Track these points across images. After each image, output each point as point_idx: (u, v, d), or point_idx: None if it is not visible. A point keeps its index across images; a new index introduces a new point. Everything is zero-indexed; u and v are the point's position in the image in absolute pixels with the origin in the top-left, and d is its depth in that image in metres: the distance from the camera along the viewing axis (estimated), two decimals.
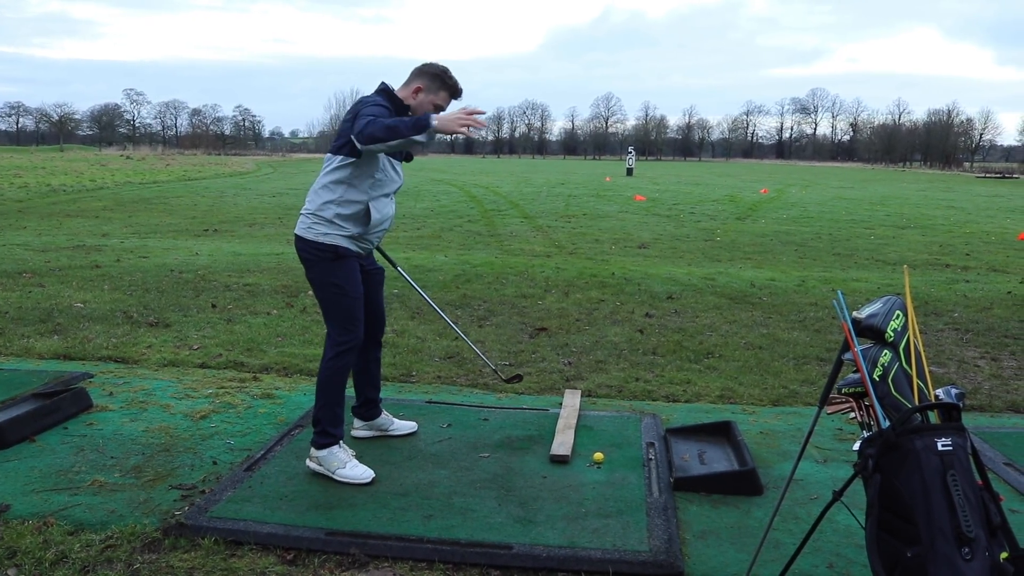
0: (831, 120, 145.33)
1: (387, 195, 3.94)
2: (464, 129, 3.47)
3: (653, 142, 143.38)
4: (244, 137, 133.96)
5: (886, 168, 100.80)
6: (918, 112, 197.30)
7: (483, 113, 3.52)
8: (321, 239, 3.85)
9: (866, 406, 2.43)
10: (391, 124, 3.47)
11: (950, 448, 2.23)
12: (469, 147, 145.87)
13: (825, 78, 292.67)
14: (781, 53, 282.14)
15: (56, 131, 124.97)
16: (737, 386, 5.60)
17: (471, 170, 55.95)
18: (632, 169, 48.63)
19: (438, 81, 3.91)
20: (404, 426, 4.48)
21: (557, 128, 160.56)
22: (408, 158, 4.13)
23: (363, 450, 4.23)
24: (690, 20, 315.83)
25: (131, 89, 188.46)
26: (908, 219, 21.12)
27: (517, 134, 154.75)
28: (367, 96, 3.86)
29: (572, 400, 4.96)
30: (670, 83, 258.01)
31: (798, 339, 7.00)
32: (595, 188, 33.79)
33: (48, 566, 3.12)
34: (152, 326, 7.09)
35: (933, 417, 2.37)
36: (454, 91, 3.96)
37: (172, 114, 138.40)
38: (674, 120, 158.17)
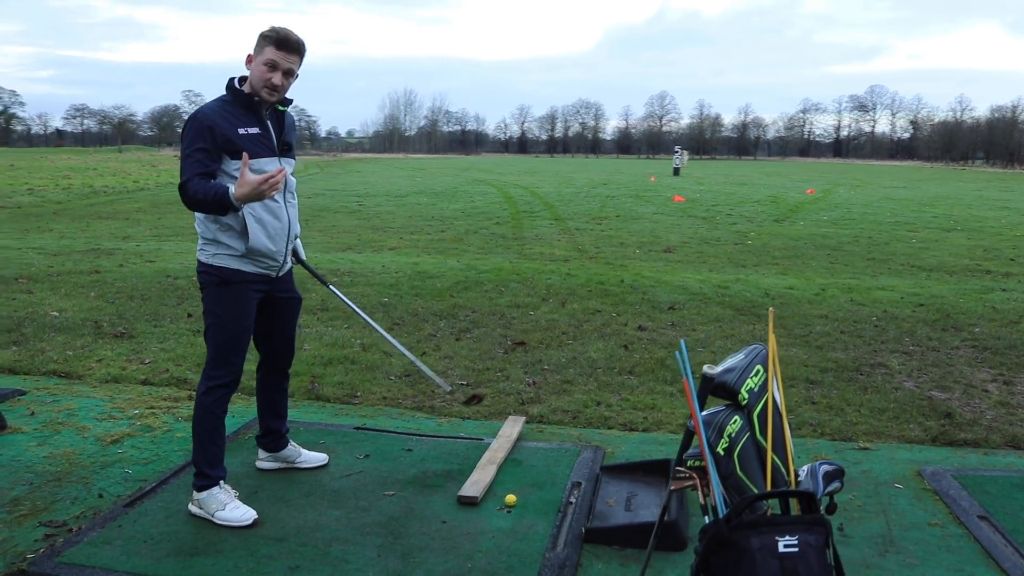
0: (890, 118, 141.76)
1: (268, 200, 3.47)
2: (268, 193, 3.22)
3: (707, 141, 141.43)
4: (300, 137, 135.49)
5: (945, 167, 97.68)
6: (980, 109, 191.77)
7: (280, 171, 3.24)
8: (210, 260, 3.50)
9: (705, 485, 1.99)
10: (200, 198, 3.26)
11: (795, 549, 1.78)
12: (523, 147, 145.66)
13: (884, 75, 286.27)
14: (839, 50, 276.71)
15: (116, 132, 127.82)
16: None
17: (517, 170, 55.59)
18: (679, 169, 47.74)
19: (261, 39, 3.44)
20: (313, 458, 4.12)
21: (611, 127, 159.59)
22: (288, 149, 3.66)
23: (263, 484, 3.89)
24: (747, 18, 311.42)
25: (190, 90, 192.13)
26: (956, 221, 20.17)
27: (571, 133, 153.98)
28: (196, 113, 3.40)
29: (510, 429, 4.55)
30: (725, 81, 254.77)
31: (793, 357, 6.49)
32: (636, 189, 33.16)
33: None
34: (116, 337, 6.86)
35: (793, 505, 1.91)
36: (278, 41, 3.40)
37: None
38: (729, 119, 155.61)
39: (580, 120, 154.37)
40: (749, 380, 2.02)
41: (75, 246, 13.46)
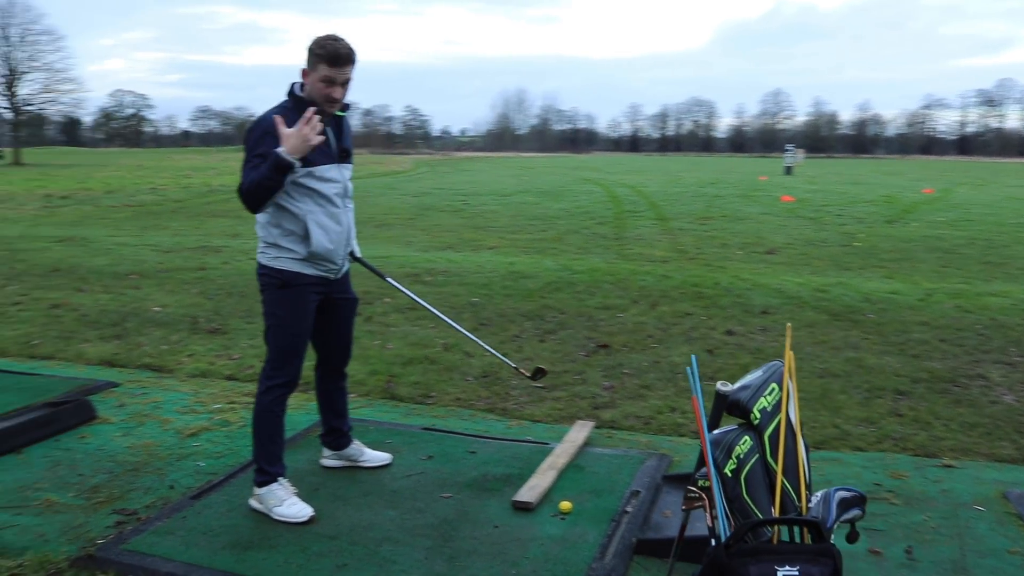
0: (1021, 113, 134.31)
1: (327, 205, 3.57)
2: (312, 136, 3.29)
3: (823, 139, 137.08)
4: (412, 136, 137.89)
5: None
6: None
7: (311, 113, 3.31)
8: (272, 263, 3.59)
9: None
10: (256, 179, 3.30)
11: None
12: (634, 145, 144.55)
13: (1014, 68, 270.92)
14: (965, 42, 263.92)
15: (237, 132, 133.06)
16: None
17: (626, 168, 55.17)
18: (791, 167, 46.38)
19: (312, 56, 3.44)
20: (376, 457, 4.17)
21: (724, 125, 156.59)
22: (347, 155, 3.72)
23: (324, 481, 3.97)
24: (866, 11, 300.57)
25: None
26: None
27: (683, 131, 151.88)
28: (261, 118, 3.47)
29: (576, 434, 4.50)
30: (843, 77, 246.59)
31: (886, 365, 6.21)
32: (745, 188, 32.39)
33: None
34: (210, 333, 7.11)
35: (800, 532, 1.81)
36: (331, 58, 3.40)
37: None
38: (846, 115, 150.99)
39: (692, 118, 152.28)
40: (763, 399, 1.92)
41: (187, 243, 14.02)
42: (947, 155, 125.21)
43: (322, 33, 3.48)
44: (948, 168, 68.70)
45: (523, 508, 3.65)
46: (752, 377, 2.00)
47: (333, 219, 3.58)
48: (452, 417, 5.06)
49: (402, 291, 4.34)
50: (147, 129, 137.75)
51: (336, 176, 3.59)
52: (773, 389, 1.96)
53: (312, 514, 3.55)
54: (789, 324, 2.15)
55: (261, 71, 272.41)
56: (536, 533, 3.43)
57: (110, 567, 3.16)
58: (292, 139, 3.27)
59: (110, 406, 5.10)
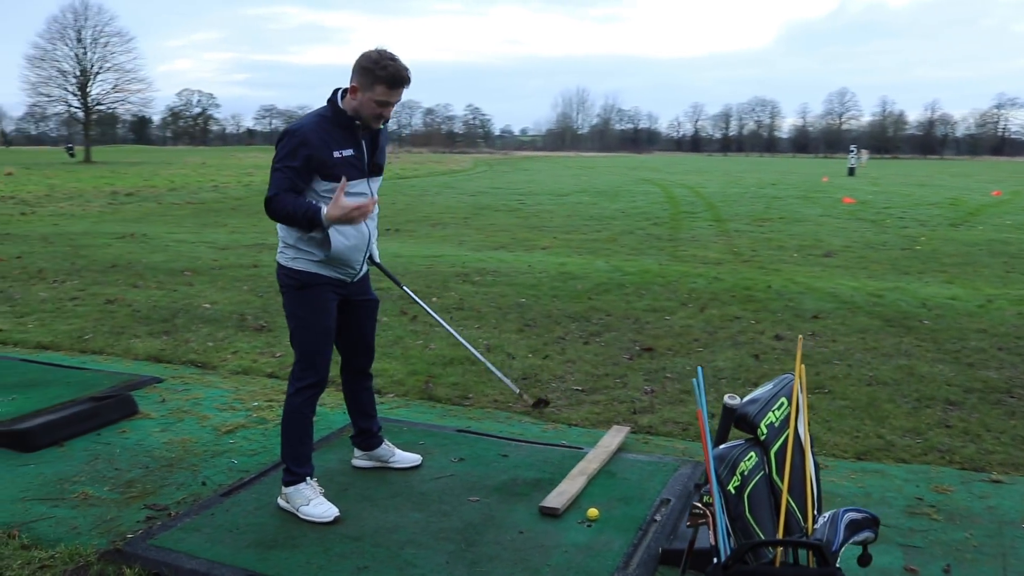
0: None
1: None
2: (360, 220, 3.43)
3: (890, 139, 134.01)
4: (473, 135, 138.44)
5: None
6: None
7: (371, 201, 3.45)
8: (290, 264, 3.60)
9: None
10: (290, 212, 3.35)
11: None
12: (696, 145, 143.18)
13: None
14: None
15: None
16: (824, 431, 4.83)
17: (685, 169, 54.62)
18: (854, 168, 45.41)
19: (370, 75, 3.37)
20: (407, 459, 4.16)
21: (787, 125, 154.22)
22: (377, 170, 3.73)
23: (353, 482, 3.97)
24: (937, 8, 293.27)
25: None
26: None
27: (745, 132, 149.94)
28: (295, 127, 3.47)
29: (611, 440, 4.43)
30: (911, 76, 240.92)
31: (938, 374, 6.01)
32: (806, 189, 31.80)
33: None
34: (256, 330, 7.19)
35: (805, 555, 1.73)
36: (391, 80, 3.37)
37: (407, 113, 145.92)
38: (914, 115, 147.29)
39: (755, 118, 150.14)
40: (771, 414, 1.84)
41: (243, 240, 14.25)
42: (1020, 156, 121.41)
43: (372, 49, 3.42)
44: (1020, 169, 66.61)
45: (550, 514, 3.61)
46: (762, 390, 1.92)
47: (350, 229, 3.57)
48: (488, 419, 5.03)
49: (415, 300, 4.34)
50: (213, 128, 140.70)
51: (363, 189, 3.59)
52: (782, 404, 1.88)
53: (337, 514, 3.55)
54: (800, 336, 2.07)
55: (323, 71, 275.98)
56: (561, 540, 3.38)
57: (136, 562, 3.20)
58: (338, 211, 3.32)
59: (152, 401, 5.18)
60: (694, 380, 1.86)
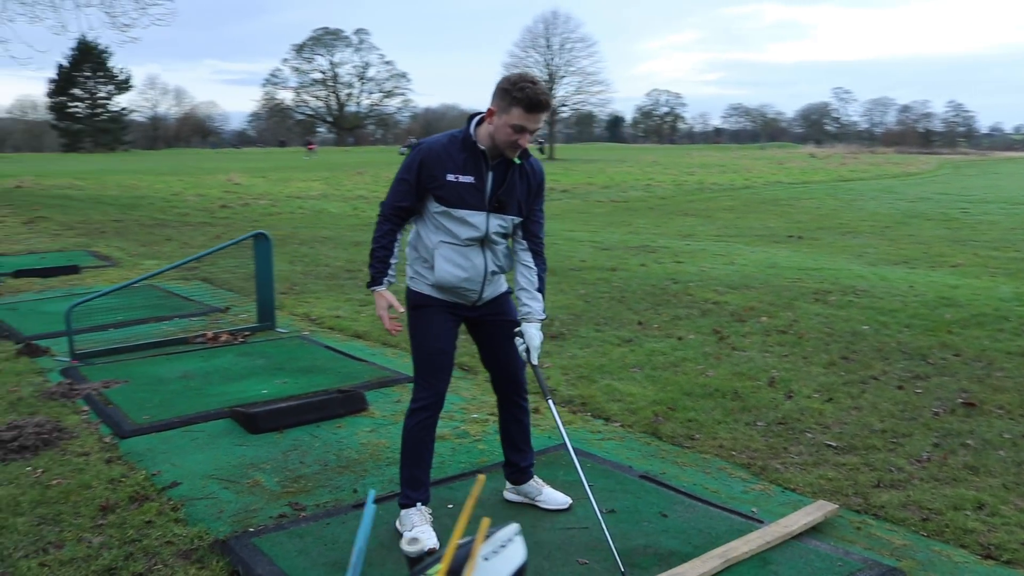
0: None
1: (458, 243, 3.41)
2: (386, 324, 3.54)
3: None
4: (952, 134, 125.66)
5: None
6: None
7: (393, 328, 3.50)
8: (408, 283, 3.61)
9: None
10: (372, 247, 3.53)
11: None
12: None
13: None
14: None
15: (762, 130, 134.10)
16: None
17: None
18: None
19: (507, 97, 3.22)
20: (555, 500, 3.82)
21: None
22: (500, 206, 3.44)
23: (485, 514, 3.69)
24: None
25: (839, 87, 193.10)
26: None
27: None
28: (424, 145, 3.42)
29: (798, 518, 3.63)
30: None
31: None
32: None
33: (119, 544, 3.45)
34: (551, 338, 7.15)
35: None
36: (529, 104, 3.19)
37: (880, 111, 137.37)
38: None
39: None
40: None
41: (631, 241, 14.41)
42: None
43: (514, 73, 3.35)
44: None
45: None
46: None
47: (463, 255, 3.43)
48: (694, 467, 4.44)
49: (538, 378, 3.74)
50: (681, 126, 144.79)
51: (478, 223, 3.40)
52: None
53: (430, 548, 3.37)
54: (481, 476, 1.46)
55: (794, 68, 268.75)
56: None
57: (227, 555, 3.34)
58: (376, 308, 3.55)
59: (390, 400, 5.40)
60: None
